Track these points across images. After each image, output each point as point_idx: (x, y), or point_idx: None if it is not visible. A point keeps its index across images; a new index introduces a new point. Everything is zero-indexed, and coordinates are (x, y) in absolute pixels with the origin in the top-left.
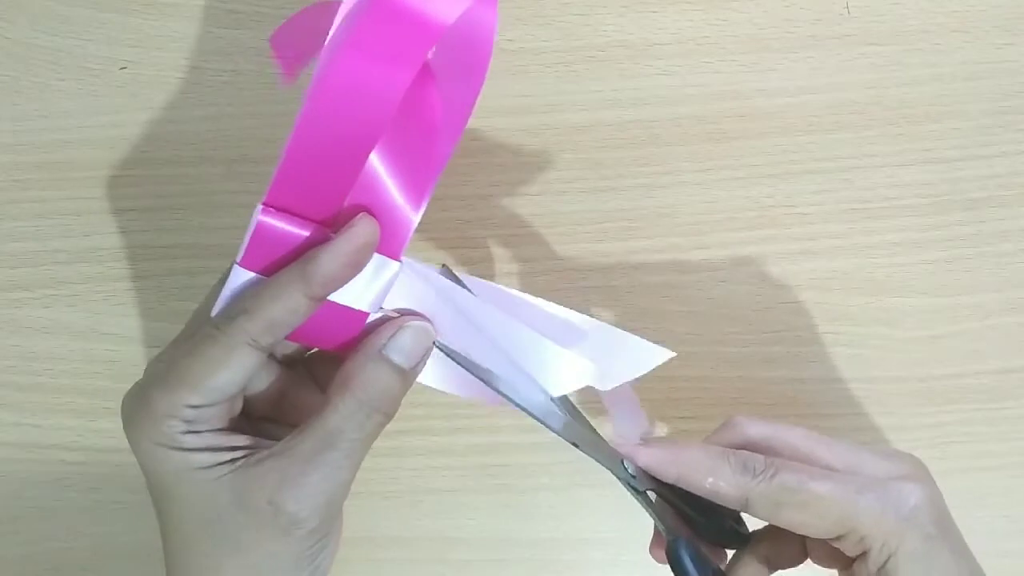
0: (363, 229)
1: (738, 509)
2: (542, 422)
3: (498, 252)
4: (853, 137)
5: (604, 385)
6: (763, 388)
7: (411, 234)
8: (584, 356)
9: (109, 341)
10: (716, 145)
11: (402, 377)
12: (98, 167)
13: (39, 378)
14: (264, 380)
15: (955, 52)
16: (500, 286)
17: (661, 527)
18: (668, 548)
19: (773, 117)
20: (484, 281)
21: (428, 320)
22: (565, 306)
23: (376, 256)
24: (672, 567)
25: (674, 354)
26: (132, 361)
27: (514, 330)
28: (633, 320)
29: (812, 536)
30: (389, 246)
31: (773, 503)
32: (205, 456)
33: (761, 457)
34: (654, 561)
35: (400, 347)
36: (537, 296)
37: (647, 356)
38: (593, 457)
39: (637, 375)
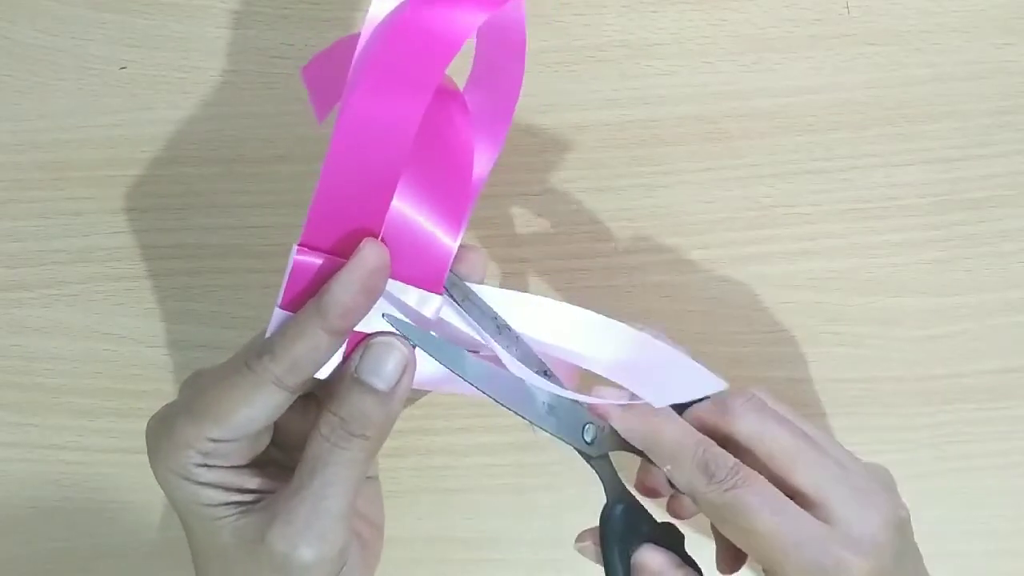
0: (369, 254)
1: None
2: (487, 393)
3: (498, 252)
4: (853, 137)
5: (658, 402)
6: None
7: (450, 264)
8: (634, 370)
9: (109, 341)
10: (716, 145)
11: (377, 398)
12: (98, 167)
13: (39, 378)
14: (300, 413)
15: (955, 52)
16: (543, 298)
17: (606, 489)
18: (603, 510)
19: (773, 117)
20: (520, 293)
21: (396, 335)
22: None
23: (416, 291)
24: (601, 528)
25: (727, 385)
26: (132, 361)
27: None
28: (634, 320)
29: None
30: (428, 278)
31: (717, 515)
32: (213, 493)
33: (728, 463)
34: None
35: (368, 367)
36: (538, 295)
37: (701, 383)
38: (545, 428)
39: (689, 399)
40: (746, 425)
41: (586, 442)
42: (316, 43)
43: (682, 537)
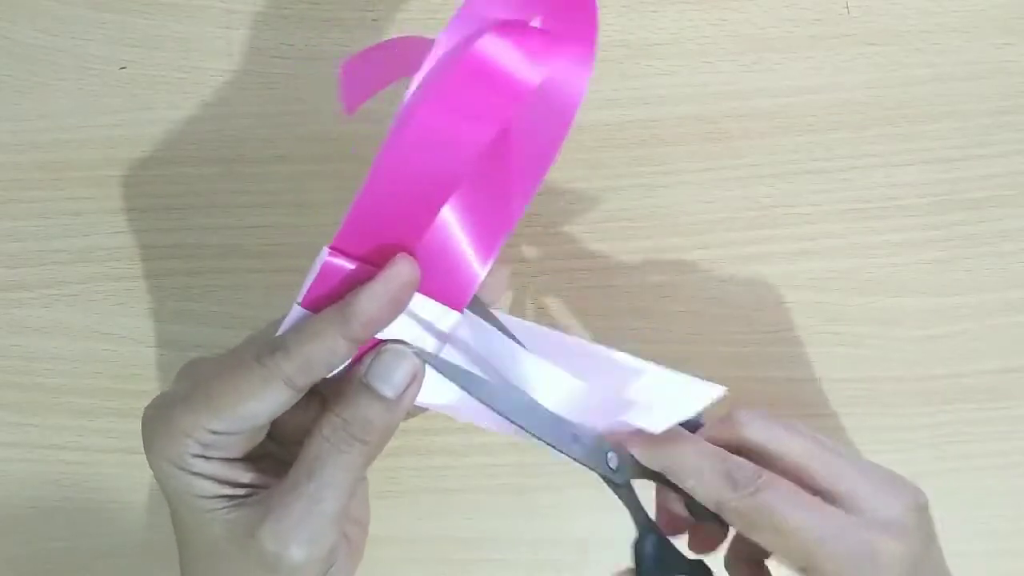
0: (402, 269)
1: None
2: (514, 422)
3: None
4: (852, 137)
5: (656, 427)
6: (763, 388)
7: (476, 287)
8: (632, 398)
9: (109, 341)
10: (716, 145)
11: (384, 405)
12: (98, 167)
13: (39, 378)
14: (299, 408)
15: (955, 52)
16: (545, 327)
17: (634, 520)
18: (635, 543)
19: (773, 117)
20: (528, 323)
21: (408, 344)
22: (565, 308)
23: (435, 304)
24: (635, 562)
25: (725, 390)
26: (132, 361)
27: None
28: (633, 320)
29: (776, 556)
30: (453, 296)
31: (746, 521)
32: (207, 484)
33: (750, 468)
34: None
35: (378, 373)
36: (537, 297)
37: (697, 395)
38: (571, 455)
39: (689, 415)
40: (756, 432)
41: (611, 469)
42: (316, 43)
43: (711, 572)
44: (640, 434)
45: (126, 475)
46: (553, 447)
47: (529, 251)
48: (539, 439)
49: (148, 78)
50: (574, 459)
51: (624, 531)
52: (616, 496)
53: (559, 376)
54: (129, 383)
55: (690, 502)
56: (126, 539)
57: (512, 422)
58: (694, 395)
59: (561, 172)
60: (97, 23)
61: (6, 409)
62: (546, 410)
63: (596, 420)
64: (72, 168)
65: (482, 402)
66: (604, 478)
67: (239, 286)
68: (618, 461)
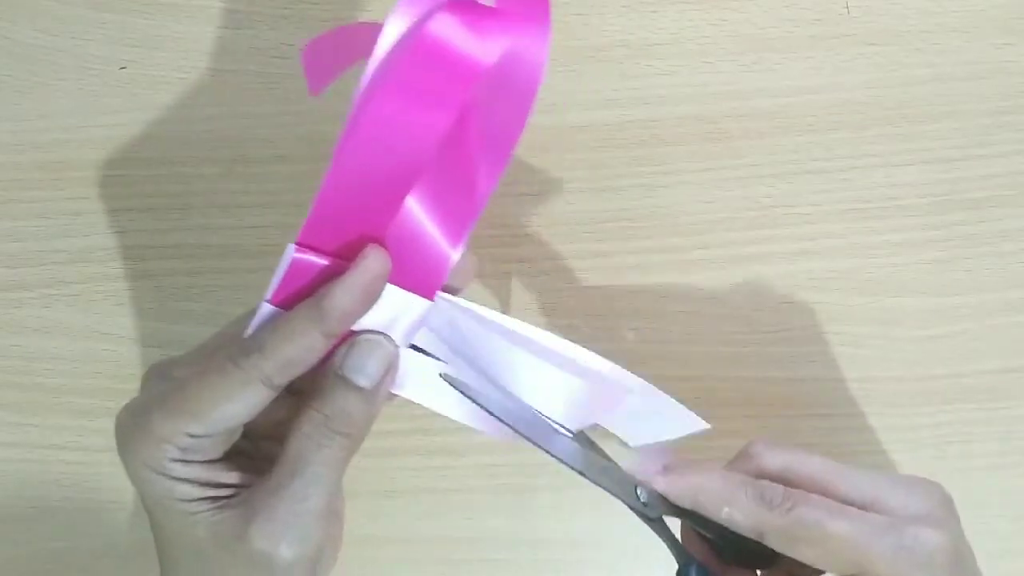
0: (373, 261)
1: (754, 538)
2: (546, 450)
3: (498, 252)
4: (852, 137)
5: (634, 442)
6: (763, 388)
7: (446, 274)
8: (618, 413)
9: (109, 341)
10: (716, 145)
11: (361, 396)
12: (98, 167)
13: (39, 378)
14: (269, 405)
15: (955, 52)
16: (532, 327)
17: (673, 552)
18: (678, 575)
19: (773, 117)
20: (518, 322)
21: (383, 334)
22: (564, 308)
23: (406, 294)
24: None
25: (709, 426)
26: (132, 361)
27: (527, 364)
28: (633, 320)
29: (824, 571)
30: (423, 284)
31: (788, 537)
32: (188, 488)
33: (780, 489)
34: (654, 562)
35: (353, 365)
36: (537, 297)
37: (682, 422)
38: (601, 485)
39: (669, 438)
40: (773, 460)
41: (642, 503)
42: None
43: None
44: (663, 472)
45: (126, 475)
46: (588, 477)
47: (529, 251)
48: (569, 466)
49: (148, 78)
50: (603, 487)
51: (623, 532)
52: (651, 530)
53: (539, 368)
54: (129, 383)
55: (717, 544)
56: (126, 539)
57: (551, 454)
58: (678, 422)
59: (561, 172)
60: (97, 23)
61: (6, 409)
62: (566, 430)
63: (574, 419)
64: (72, 168)
65: (499, 420)
66: (636, 512)
67: (239, 286)
68: (647, 496)
